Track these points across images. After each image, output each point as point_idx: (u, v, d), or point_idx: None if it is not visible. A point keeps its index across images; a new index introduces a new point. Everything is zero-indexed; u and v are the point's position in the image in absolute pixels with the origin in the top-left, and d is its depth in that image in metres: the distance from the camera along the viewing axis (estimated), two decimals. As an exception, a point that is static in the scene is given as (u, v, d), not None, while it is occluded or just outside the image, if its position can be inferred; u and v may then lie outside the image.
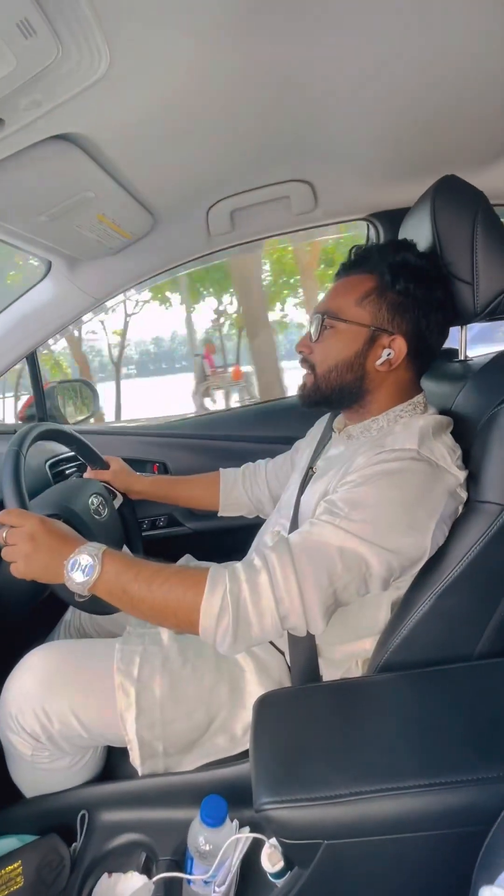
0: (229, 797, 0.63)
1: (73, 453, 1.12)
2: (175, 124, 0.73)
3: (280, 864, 0.56)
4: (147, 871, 0.67)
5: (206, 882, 0.61)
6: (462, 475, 0.62)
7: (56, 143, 0.66)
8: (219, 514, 1.03)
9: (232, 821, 0.63)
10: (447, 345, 0.77)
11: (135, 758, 0.69)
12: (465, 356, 0.87)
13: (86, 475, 1.00)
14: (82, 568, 0.59)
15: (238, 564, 0.59)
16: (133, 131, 0.71)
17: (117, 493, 1.01)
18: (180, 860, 0.67)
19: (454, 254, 0.70)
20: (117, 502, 1.00)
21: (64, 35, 0.48)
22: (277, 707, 0.62)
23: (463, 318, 0.73)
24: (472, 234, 0.69)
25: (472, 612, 0.63)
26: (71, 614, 0.99)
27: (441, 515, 0.60)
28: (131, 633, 0.77)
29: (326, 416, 0.89)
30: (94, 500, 0.89)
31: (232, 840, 0.60)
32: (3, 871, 0.62)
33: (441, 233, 0.71)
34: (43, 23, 0.45)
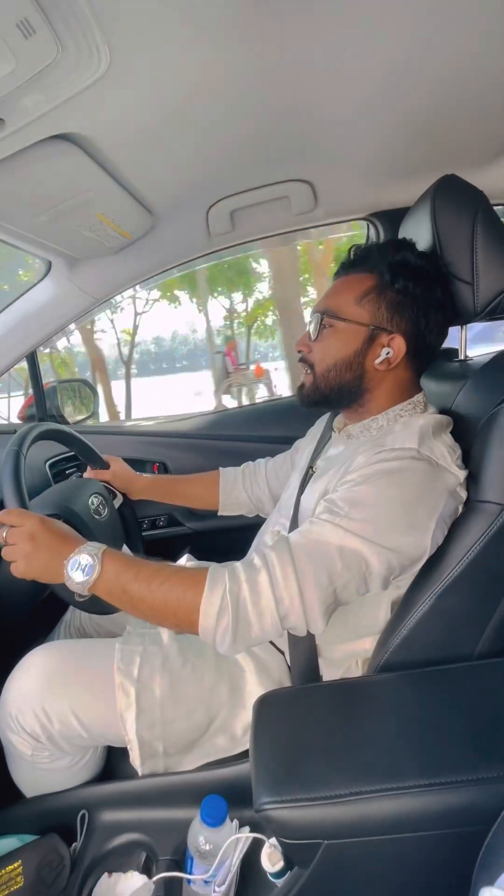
0: (229, 797, 0.63)
1: (72, 453, 1.12)
2: (175, 124, 0.73)
3: (280, 864, 0.56)
4: (147, 870, 0.67)
5: (206, 882, 0.61)
6: (462, 474, 0.62)
7: (56, 143, 0.66)
8: (219, 514, 1.03)
9: (232, 821, 0.63)
10: (447, 344, 0.77)
11: (135, 758, 0.69)
12: (465, 356, 0.87)
13: (86, 475, 1.00)
14: (82, 567, 0.59)
15: (238, 564, 0.59)
16: (133, 131, 0.71)
17: (117, 492, 1.01)
18: (180, 860, 0.67)
19: (454, 253, 0.70)
20: (117, 502, 1.00)
21: (64, 35, 0.48)
22: (277, 707, 0.62)
23: (463, 318, 0.73)
24: (471, 234, 0.68)
25: (472, 612, 0.63)
26: (71, 614, 0.99)
27: (441, 514, 0.60)
28: (131, 633, 0.77)
29: (326, 416, 0.89)
30: (94, 500, 0.89)
31: (232, 840, 0.60)
32: (3, 871, 0.62)
33: (441, 232, 0.71)
34: (43, 23, 0.45)
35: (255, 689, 0.70)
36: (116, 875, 0.67)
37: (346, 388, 0.70)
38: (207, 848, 0.61)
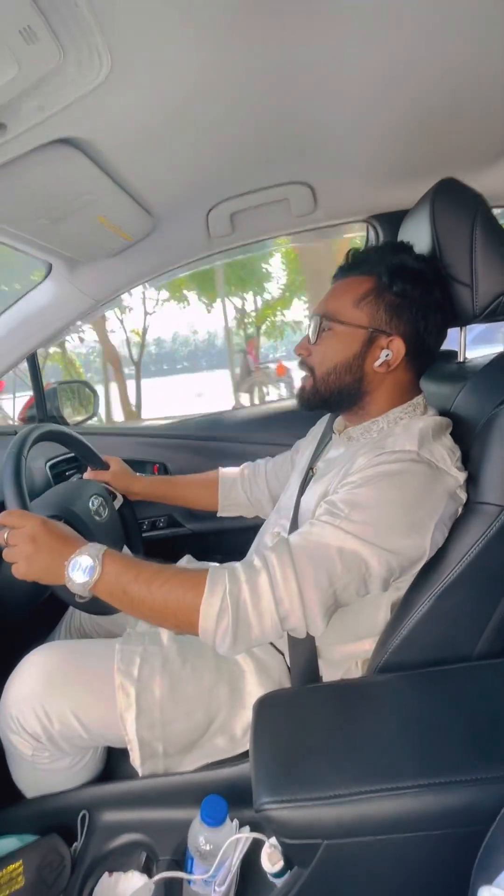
0: (229, 797, 0.63)
1: (73, 454, 1.12)
2: (175, 127, 0.73)
3: (280, 864, 0.56)
4: (147, 870, 0.68)
5: (206, 882, 0.61)
6: (462, 477, 0.62)
7: (58, 147, 0.67)
8: (218, 515, 1.04)
9: (232, 821, 0.64)
10: (447, 346, 0.77)
11: (135, 758, 0.69)
12: (465, 357, 0.87)
13: (85, 476, 1.01)
14: (83, 569, 0.59)
15: (238, 565, 0.60)
16: (134, 134, 0.72)
17: (117, 493, 1.01)
18: (181, 860, 0.67)
19: (453, 256, 0.70)
20: (117, 503, 1.00)
21: (66, 41, 0.48)
22: (277, 707, 0.63)
23: (462, 320, 0.73)
24: (470, 237, 0.69)
25: (471, 613, 0.64)
26: (71, 614, 1.00)
27: (441, 517, 0.60)
28: (131, 634, 0.78)
29: (327, 416, 0.89)
30: (95, 501, 0.89)
31: (232, 840, 0.61)
32: (4, 872, 0.62)
33: (440, 235, 0.71)
34: (45, 29, 0.45)
35: (254, 690, 0.71)
36: (117, 875, 0.67)
37: (345, 390, 0.71)
38: (208, 848, 0.61)
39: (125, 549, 0.99)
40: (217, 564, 0.64)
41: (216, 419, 1.44)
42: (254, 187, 1.00)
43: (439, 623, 0.63)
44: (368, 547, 0.57)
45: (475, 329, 0.84)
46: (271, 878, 0.57)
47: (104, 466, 1.01)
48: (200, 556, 1.02)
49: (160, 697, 0.69)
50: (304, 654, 0.70)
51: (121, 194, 0.85)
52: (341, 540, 0.57)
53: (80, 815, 0.71)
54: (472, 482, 0.63)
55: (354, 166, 0.99)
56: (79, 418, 1.42)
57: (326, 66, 0.67)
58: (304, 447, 0.91)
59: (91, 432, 1.40)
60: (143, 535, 1.17)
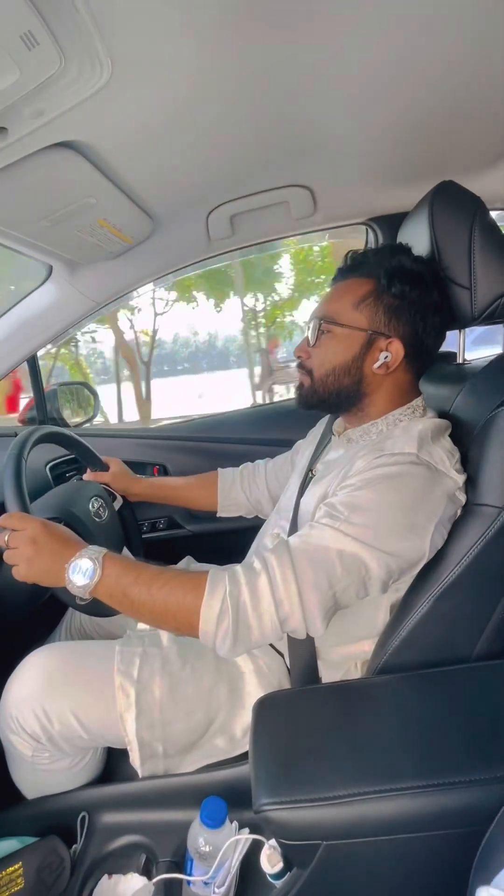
0: (229, 798, 0.63)
1: (73, 456, 1.12)
2: (175, 130, 0.74)
3: (279, 865, 0.56)
4: (147, 872, 0.68)
5: (205, 883, 0.61)
6: (461, 479, 0.62)
7: (58, 151, 0.67)
8: (217, 515, 1.04)
9: (231, 822, 0.64)
10: (446, 348, 0.78)
11: (135, 759, 0.69)
12: (464, 359, 0.88)
13: (85, 477, 1.01)
14: (83, 571, 0.59)
15: (238, 567, 0.60)
16: (134, 138, 0.72)
17: (116, 495, 1.01)
18: (180, 861, 0.67)
19: (452, 258, 0.70)
20: (117, 504, 1.01)
21: (66, 46, 0.49)
22: (277, 708, 0.63)
23: (461, 322, 0.74)
24: (469, 239, 0.69)
25: (470, 614, 0.64)
26: (71, 615, 1.00)
27: (440, 519, 0.60)
28: (131, 635, 0.78)
29: (327, 417, 0.89)
30: (95, 503, 0.89)
31: (231, 841, 0.61)
32: (3, 873, 0.62)
33: (439, 237, 0.71)
34: (46, 35, 0.46)
35: (254, 691, 0.71)
36: (116, 877, 0.67)
37: (344, 392, 0.71)
38: (207, 849, 0.61)
39: (125, 550, 0.99)
40: (217, 566, 0.64)
41: (217, 421, 1.45)
42: (254, 190, 1.01)
43: (438, 624, 0.63)
44: (368, 549, 0.57)
45: (476, 330, 0.84)
46: (271, 880, 0.57)
47: (104, 468, 1.01)
48: (200, 558, 1.02)
49: (160, 698, 0.69)
50: (303, 655, 0.70)
51: (121, 197, 0.85)
52: (341, 542, 0.57)
53: (80, 816, 0.71)
54: (471, 484, 0.64)
55: (354, 169, 0.99)
56: (79, 420, 1.43)
57: (325, 69, 0.67)
58: (304, 448, 0.91)
59: (91, 434, 1.40)
60: (143, 536, 1.17)
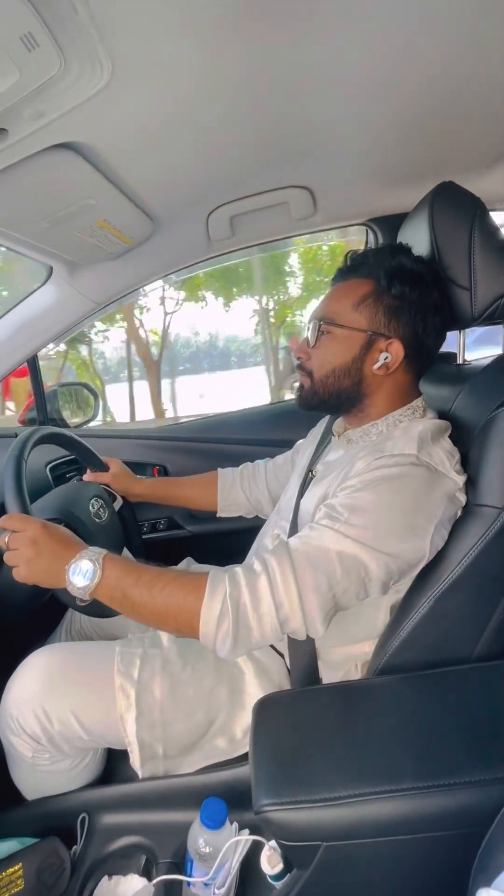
0: (229, 799, 0.63)
1: (73, 456, 1.12)
2: (175, 131, 0.74)
3: (279, 866, 0.56)
4: (147, 873, 0.68)
5: (205, 884, 0.61)
6: (461, 480, 0.62)
7: (58, 152, 0.67)
8: (217, 515, 1.04)
9: (231, 823, 0.64)
10: (446, 348, 0.78)
11: (135, 760, 0.69)
12: (464, 359, 0.88)
13: (85, 478, 1.01)
14: (83, 572, 0.59)
15: (238, 568, 0.60)
16: (134, 139, 0.72)
17: (117, 495, 1.01)
18: (180, 862, 0.67)
19: (452, 259, 0.71)
20: (117, 505, 1.01)
21: (66, 48, 0.49)
22: (277, 709, 0.63)
23: (461, 323, 0.74)
24: (469, 240, 0.69)
25: (470, 615, 0.64)
26: (71, 616, 1.00)
27: (440, 520, 0.60)
28: (131, 636, 0.78)
29: (327, 417, 0.89)
30: (95, 504, 0.90)
31: (232, 842, 0.61)
32: (3, 874, 0.62)
33: (439, 238, 0.72)
34: (46, 36, 0.46)
35: (254, 692, 0.71)
36: (116, 878, 0.67)
37: (344, 393, 0.71)
38: (207, 850, 0.61)
39: (125, 551, 0.99)
40: (217, 567, 0.64)
41: (217, 421, 1.45)
42: (254, 191, 1.01)
43: (438, 625, 0.63)
44: (368, 551, 0.57)
45: (477, 330, 0.84)
46: (271, 881, 0.57)
47: (104, 468, 1.01)
48: (201, 558, 1.02)
49: (160, 699, 0.69)
50: (303, 656, 0.70)
51: (121, 198, 0.86)
52: (341, 544, 0.57)
53: (80, 817, 0.71)
54: (471, 484, 0.64)
55: (354, 169, 0.99)
56: (79, 420, 1.43)
57: (325, 70, 0.67)
58: (304, 448, 0.91)
59: (91, 434, 1.40)
60: (144, 537, 1.17)
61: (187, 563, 1.01)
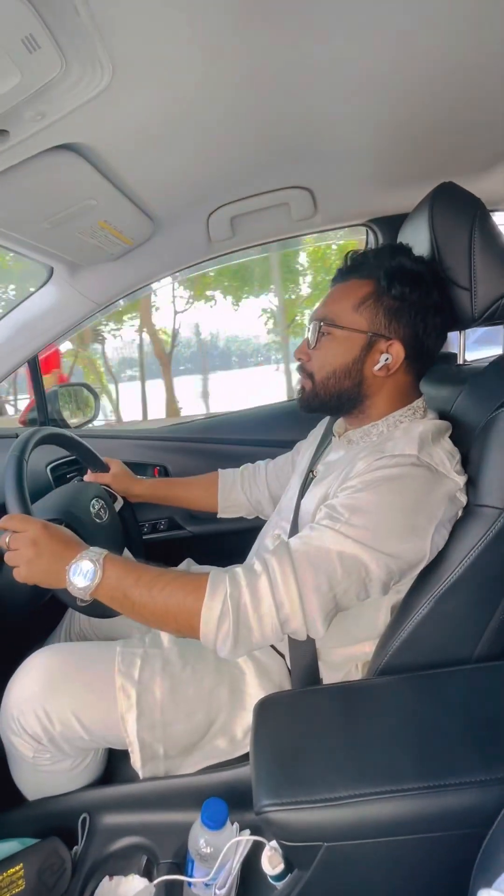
0: (230, 800, 0.63)
1: (74, 457, 1.12)
2: (176, 132, 0.74)
3: (280, 867, 0.56)
4: (148, 873, 0.68)
5: (206, 884, 0.61)
6: (461, 480, 0.62)
7: (59, 153, 0.67)
8: (218, 516, 1.04)
9: (232, 823, 0.64)
10: (447, 349, 0.78)
11: (135, 760, 0.69)
12: (464, 360, 0.88)
13: (86, 478, 1.01)
14: (84, 573, 0.59)
15: (238, 569, 0.60)
16: (135, 140, 0.72)
17: (117, 496, 1.01)
18: (181, 863, 0.67)
19: (452, 260, 0.71)
20: (117, 505, 1.01)
21: (67, 49, 0.49)
22: (278, 710, 0.63)
23: (461, 324, 0.74)
24: (469, 240, 0.69)
25: (470, 615, 0.64)
26: (71, 617, 1.00)
27: (440, 520, 0.60)
28: (132, 636, 0.78)
29: (327, 418, 0.90)
30: (95, 504, 0.90)
31: (232, 843, 0.61)
32: (4, 875, 0.62)
33: (439, 239, 0.72)
34: (47, 38, 0.46)
35: (255, 692, 0.71)
36: (117, 878, 0.67)
37: (345, 395, 0.71)
38: (208, 851, 0.61)
39: (126, 551, 0.99)
40: (218, 568, 0.64)
41: (217, 422, 1.45)
42: (254, 191, 1.01)
43: (439, 626, 0.63)
44: (368, 551, 0.57)
45: (477, 330, 0.84)
46: (272, 881, 0.57)
47: (105, 469, 1.01)
48: (201, 559, 1.02)
49: (161, 699, 0.70)
50: (304, 656, 0.70)
51: (122, 199, 0.86)
52: (341, 544, 0.57)
53: (81, 818, 0.71)
54: (471, 485, 0.64)
55: (354, 170, 0.99)
56: (78, 420, 1.43)
57: (325, 70, 0.67)
58: (305, 449, 0.91)
59: (91, 435, 1.41)
60: (144, 537, 1.18)
61: (187, 564, 1.01)
